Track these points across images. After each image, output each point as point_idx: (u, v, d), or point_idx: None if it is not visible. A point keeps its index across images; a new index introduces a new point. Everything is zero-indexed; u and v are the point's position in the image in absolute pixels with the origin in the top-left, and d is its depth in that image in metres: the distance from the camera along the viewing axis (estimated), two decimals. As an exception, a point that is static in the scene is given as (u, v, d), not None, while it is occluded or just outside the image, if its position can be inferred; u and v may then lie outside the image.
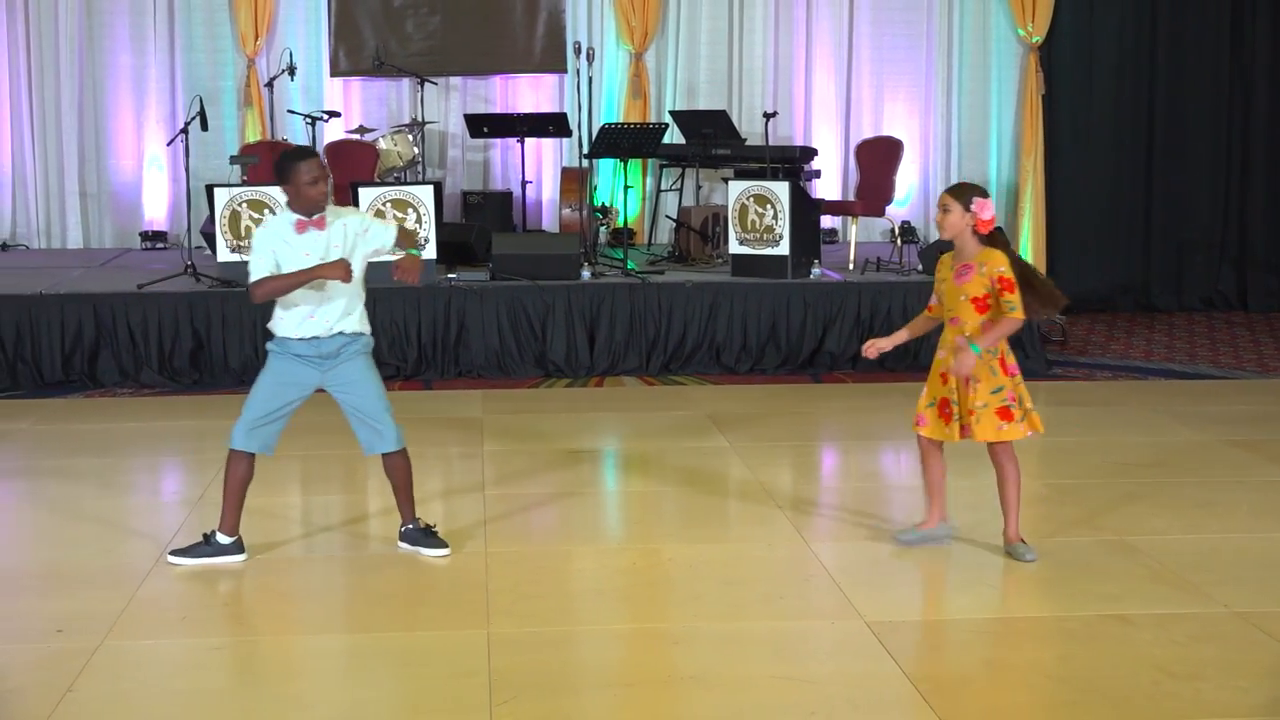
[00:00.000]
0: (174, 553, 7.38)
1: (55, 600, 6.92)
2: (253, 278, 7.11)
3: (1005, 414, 7.28)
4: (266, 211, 12.05)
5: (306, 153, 7.20)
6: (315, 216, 7.12)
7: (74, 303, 12.01)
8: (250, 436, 7.27)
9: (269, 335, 7.34)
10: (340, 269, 7.05)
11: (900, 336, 7.66)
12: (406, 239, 7.43)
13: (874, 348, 7.54)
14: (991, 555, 7.55)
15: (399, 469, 7.45)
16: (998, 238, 7.27)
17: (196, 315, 12.01)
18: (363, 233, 7.24)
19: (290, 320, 7.18)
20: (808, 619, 6.68)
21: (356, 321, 7.26)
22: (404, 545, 7.55)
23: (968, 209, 7.17)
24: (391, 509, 7.68)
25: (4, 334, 11.87)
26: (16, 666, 6.12)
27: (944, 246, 12.77)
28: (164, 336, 11.98)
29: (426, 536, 7.54)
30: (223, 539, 7.37)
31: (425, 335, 12.23)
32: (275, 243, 7.11)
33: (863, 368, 12.31)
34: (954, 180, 16.05)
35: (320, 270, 7.04)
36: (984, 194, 7.24)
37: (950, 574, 7.25)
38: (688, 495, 8.56)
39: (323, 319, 7.18)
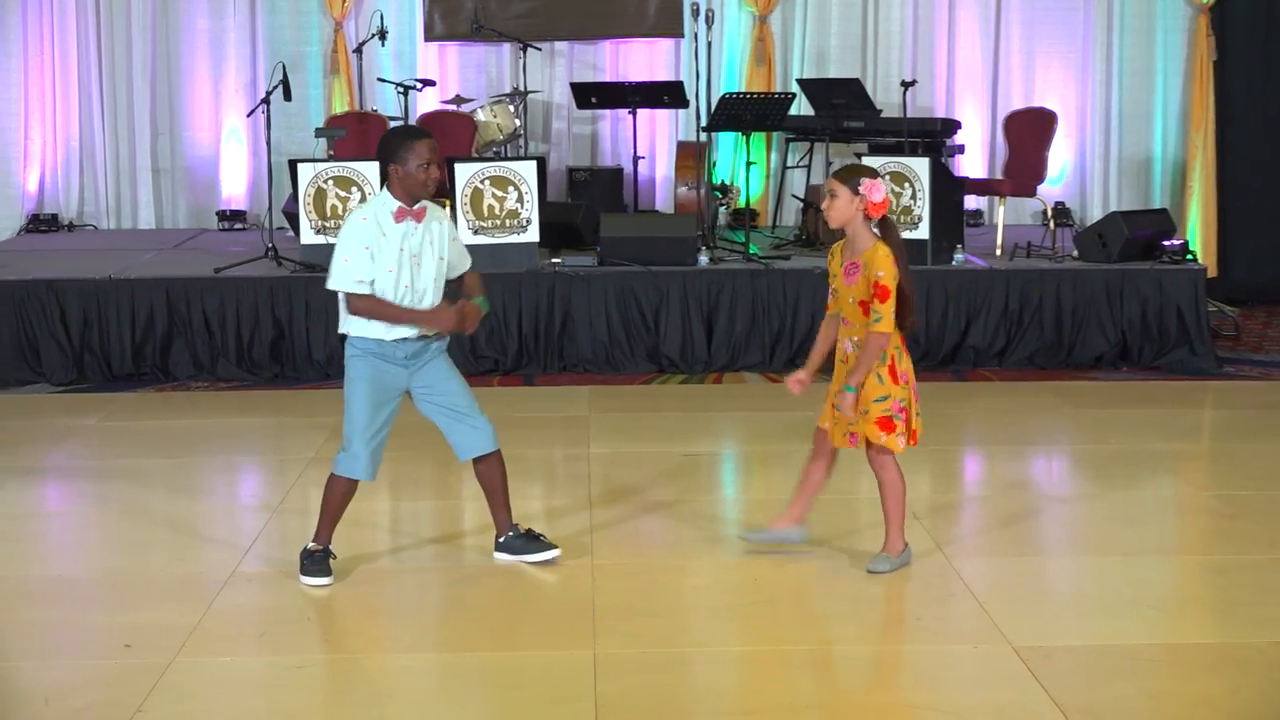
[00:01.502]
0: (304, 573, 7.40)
1: (124, 613, 7.00)
2: (351, 285, 7.03)
3: (886, 425, 7.26)
4: (354, 192, 12.14)
5: (420, 133, 7.20)
6: (417, 206, 7.14)
7: (145, 288, 12.14)
8: (371, 465, 7.28)
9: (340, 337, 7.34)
10: (452, 321, 7.09)
11: (815, 360, 7.55)
12: (474, 285, 7.41)
13: (796, 382, 7.41)
14: (1152, 573, 7.48)
15: (495, 472, 7.47)
16: (890, 226, 7.23)
17: (278, 302, 12.12)
18: (450, 242, 7.27)
19: (379, 322, 7.16)
20: (949, 643, 6.64)
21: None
22: (503, 556, 7.57)
23: (856, 192, 7.12)
24: (489, 517, 7.70)
25: (70, 322, 12.03)
26: (83, 684, 6.19)
27: (1101, 230, 12.74)
28: (242, 325, 12.10)
29: (531, 542, 7.56)
30: (311, 545, 7.41)
31: (526, 326, 12.26)
32: (372, 237, 7.03)
33: (1010, 364, 12.24)
34: (1114, 158, 15.93)
35: (435, 320, 7.09)
36: (873, 174, 7.18)
37: (1108, 594, 7.18)
38: (814, 504, 8.53)
39: None
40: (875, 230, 7.19)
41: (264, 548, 7.88)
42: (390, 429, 7.33)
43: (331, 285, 7.07)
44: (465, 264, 7.38)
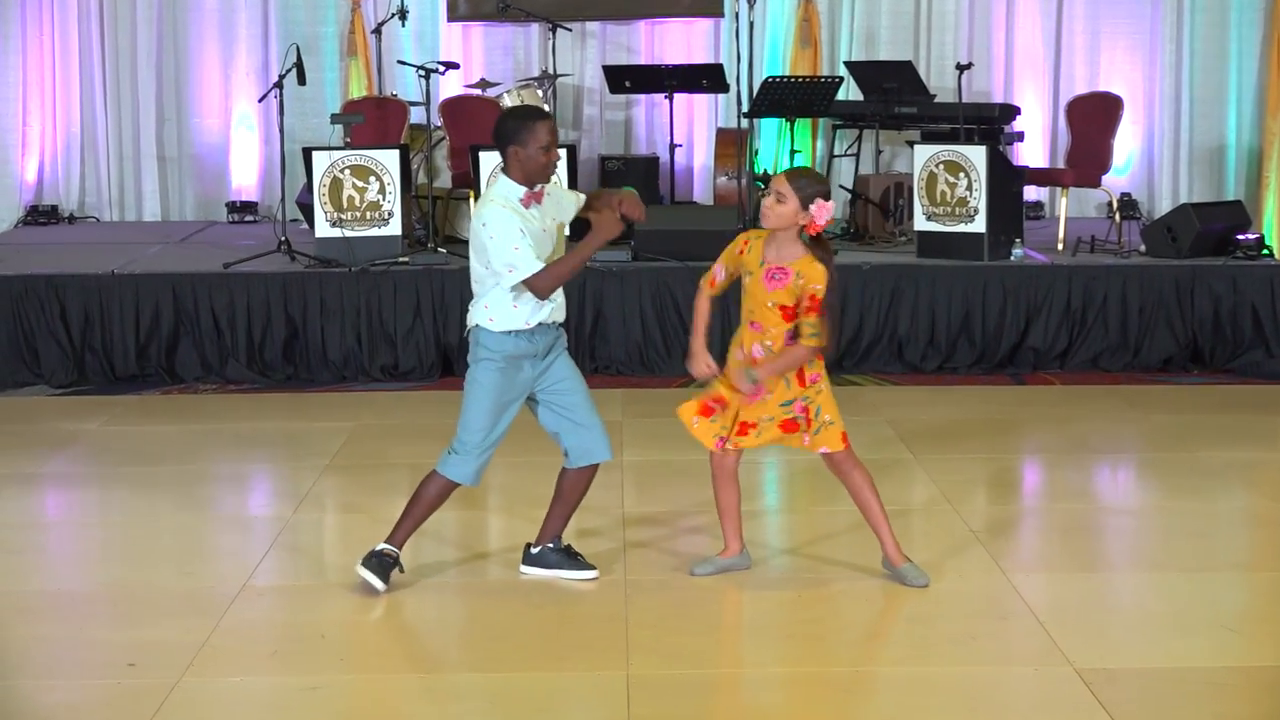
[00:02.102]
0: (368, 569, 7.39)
1: (127, 629, 7.03)
2: (529, 270, 7.06)
3: (790, 426, 7.35)
4: (372, 182, 12.18)
5: (540, 114, 7.27)
6: (538, 188, 7.19)
7: (150, 284, 12.16)
8: (479, 473, 7.31)
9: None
10: (616, 223, 7.18)
11: (702, 338, 7.57)
12: (597, 194, 7.48)
13: (706, 365, 7.47)
14: (1225, 591, 7.45)
15: (583, 483, 7.51)
16: (826, 245, 7.28)
17: (291, 299, 12.13)
18: (560, 202, 7.37)
19: (524, 307, 7.18)
20: (1006, 664, 6.63)
21: (564, 308, 7.39)
22: (533, 570, 7.58)
23: (805, 208, 7.17)
24: (515, 529, 7.71)
25: (70, 320, 12.06)
26: (83, 706, 6.22)
27: (1171, 223, 12.69)
28: (253, 324, 12.12)
29: (570, 559, 7.58)
30: (385, 547, 7.42)
31: (556, 325, 12.26)
32: (520, 220, 7.10)
33: (1072, 367, 12.20)
34: (1185, 146, 15.88)
35: (602, 236, 7.16)
36: (828, 195, 7.25)
37: (1177, 613, 7.16)
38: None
39: (558, 301, 7.27)
40: (805, 241, 7.26)
41: (276, 560, 7.91)
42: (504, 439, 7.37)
43: (524, 277, 7.07)
44: (581, 200, 7.46)
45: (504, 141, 7.15)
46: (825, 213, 7.16)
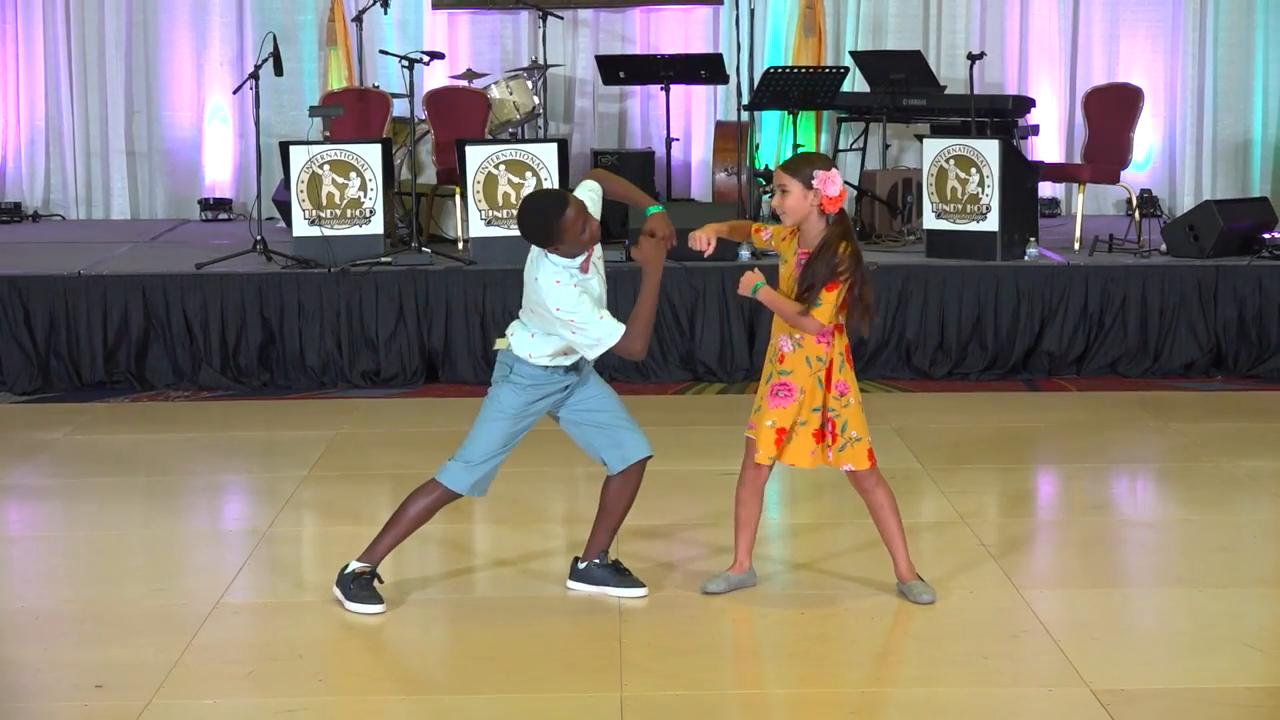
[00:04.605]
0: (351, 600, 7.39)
1: (95, 649, 7.03)
2: (616, 333, 7.13)
3: (819, 436, 7.38)
4: (352, 178, 12.18)
5: (562, 207, 7.17)
6: (585, 256, 7.28)
7: (119, 286, 12.17)
8: (483, 483, 7.30)
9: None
10: (655, 254, 7.38)
11: (724, 227, 7.79)
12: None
13: (703, 239, 7.65)
14: (1251, 607, 7.46)
15: (628, 489, 7.49)
16: (846, 222, 7.35)
17: (267, 302, 12.14)
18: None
19: (564, 354, 7.23)
20: (1019, 685, 6.64)
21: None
22: (580, 586, 7.60)
23: (809, 186, 7.23)
24: (505, 544, 7.71)
25: (35, 324, 12.06)
26: (48, 728, 6.24)
27: (1193, 221, 12.71)
28: (227, 328, 12.12)
29: (618, 575, 7.59)
30: (358, 566, 7.39)
31: (546, 328, 12.27)
32: (583, 287, 7.19)
33: (1090, 372, 12.21)
34: (1208, 140, 15.92)
35: (653, 274, 7.41)
36: (827, 165, 7.29)
37: (1200, 631, 7.17)
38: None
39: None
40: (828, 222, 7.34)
41: (251, 576, 7.91)
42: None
43: (612, 345, 7.14)
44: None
45: (545, 243, 7.16)
46: (831, 183, 7.19)
